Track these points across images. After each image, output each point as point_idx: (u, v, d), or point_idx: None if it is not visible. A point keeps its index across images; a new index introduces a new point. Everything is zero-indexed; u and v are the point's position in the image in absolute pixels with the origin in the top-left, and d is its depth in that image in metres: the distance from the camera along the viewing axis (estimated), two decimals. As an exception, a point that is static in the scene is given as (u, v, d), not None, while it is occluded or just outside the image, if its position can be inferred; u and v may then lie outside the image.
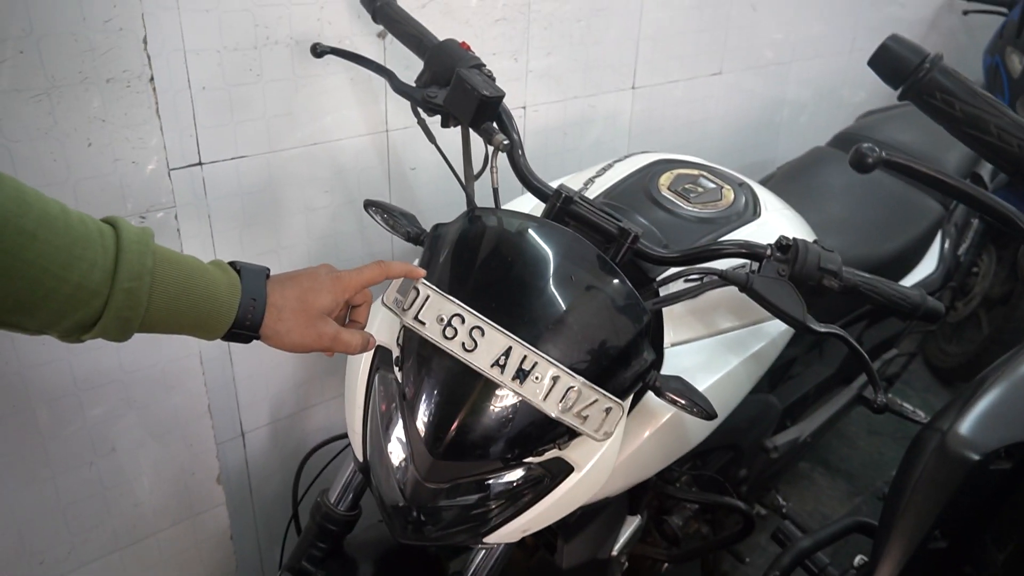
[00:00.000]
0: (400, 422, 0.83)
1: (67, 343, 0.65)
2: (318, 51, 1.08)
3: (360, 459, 0.92)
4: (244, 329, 0.71)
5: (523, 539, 1.37)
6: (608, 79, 1.63)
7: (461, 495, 0.83)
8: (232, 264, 0.72)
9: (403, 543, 0.91)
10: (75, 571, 1.10)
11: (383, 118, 1.30)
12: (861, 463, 2.11)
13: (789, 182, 1.59)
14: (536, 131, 1.55)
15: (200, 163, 1.10)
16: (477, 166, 0.99)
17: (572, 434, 0.81)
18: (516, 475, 0.83)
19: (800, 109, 2.19)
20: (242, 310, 0.70)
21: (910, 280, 1.53)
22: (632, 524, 1.12)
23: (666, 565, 1.35)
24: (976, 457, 0.71)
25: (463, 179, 0.98)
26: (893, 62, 0.60)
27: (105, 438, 1.06)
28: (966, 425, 0.74)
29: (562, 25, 1.48)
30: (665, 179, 1.14)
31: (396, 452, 0.84)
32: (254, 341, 0.74)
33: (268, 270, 0.74)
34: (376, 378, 0.89)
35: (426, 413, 0.79)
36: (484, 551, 0.97)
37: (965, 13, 2.46)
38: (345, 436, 1.18)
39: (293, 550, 1.10)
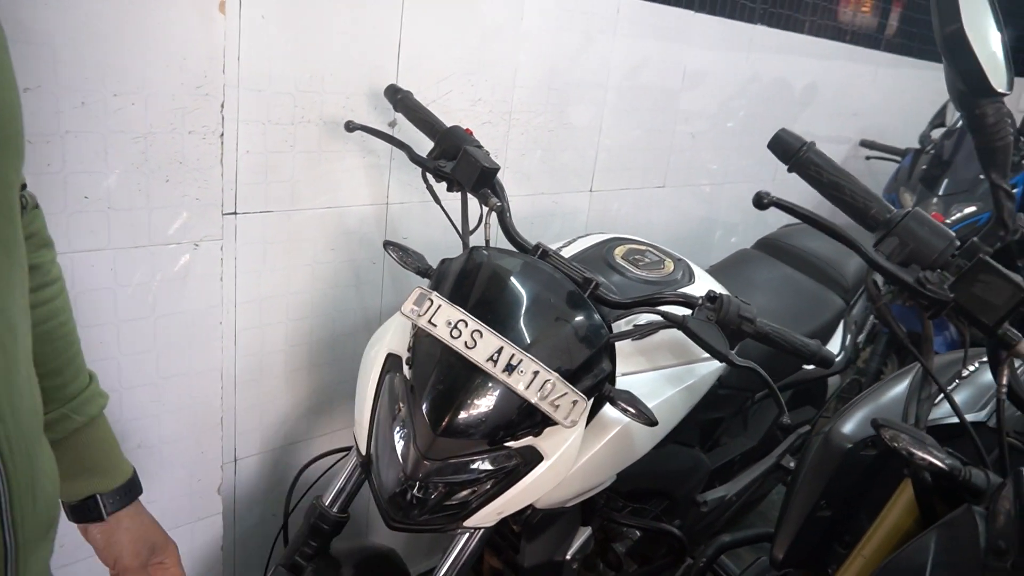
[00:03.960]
0: (406, 410, 1.03)
1: None
2: (351, 127, 1.34)
3: (364, 452, 1.11)
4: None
5: (482, 566, 1.54)
6: (570, 181, 1.93)
7: (452, 473, 1.02)
8: None
9: (394, 529, 1.09)
10: (84, 560, 1.22)
11: (385, 193, 1.54)
12: (782, 542, 2.31)
13: (719, 275, 1.88)
14: (509, 218, 1.82)
15: (235, 212, 1.31)
16: (471, 225, 1.24)
17: (544, 425, 1.02)
18: (496, 459, 1.03)
19: (730, 224, 2.53)
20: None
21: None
22: (583, 534, 1.30)
23: (608, 598, 1.52)
24: (849, 445, 0.95)
25: (461, 232, 1.22)
26: (783, 145, 0.88)
27: (135, 433, 1.21)
28: (842, 424, 0.98)
29: (536, 132, 1.78)
30: (619, 251, 1.40)
31: (400, 437, 1.03)
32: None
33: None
34: (386, 380, 1.09)
35: (431, 399, 0.99)
36: (462, 541, 1.14)
37: (867, 158, 2.91)
38: (338, 451, 1.35)
39: (288, 548, 1.24)
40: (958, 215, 2.54)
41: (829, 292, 1.85)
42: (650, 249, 1.45)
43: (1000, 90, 0.71)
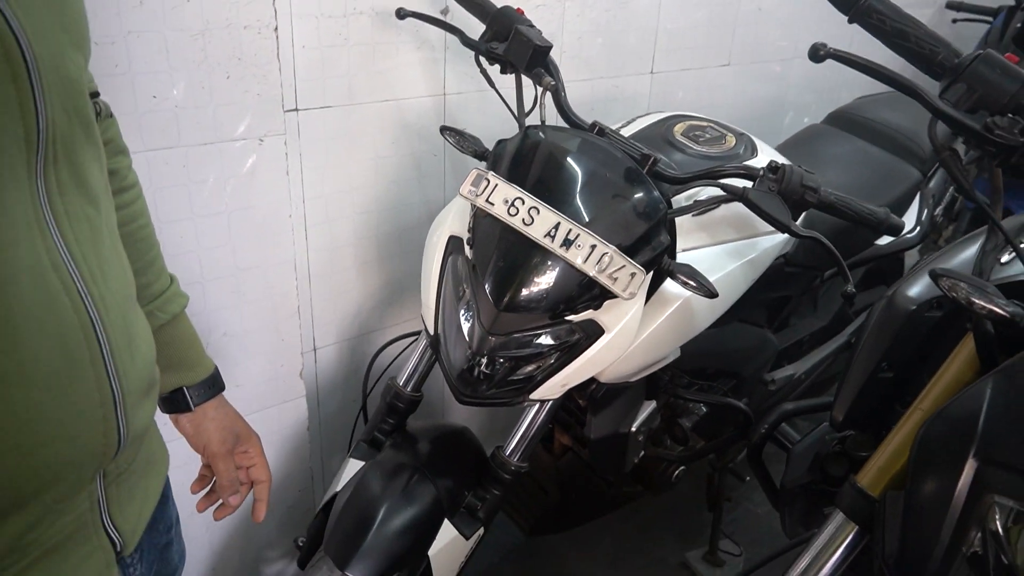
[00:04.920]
0: (470, 289, 1.06)
1: None
2: (401, 14, 1.33)
3: (432, 332, 1.15)
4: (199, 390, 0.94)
5: (551, 443, 1.60)
6: (630, 63, 1.87)
7: (515, 348, 1.06)
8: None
9: (464, 403, 1.14)
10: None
11: (442, 84, 1.54)
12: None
13: (788, 151, 1.82)
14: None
15: (296, 109, 1.34)
16: (526, 106, 1.23)
17: (603, 298, 1.04)
18: (558, 333, 1.06)
19: (802, 104, 2.43)
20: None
21: (889, 238, 1.76)
22: (648, 407, 1.34)
23: (677, 471, 1.57)
24: (913, 307, 0.94)
25: (516, 114, 1.22)
26: (843, -7, 0.84)
27: (220, 323, 1.30)
28: (907, 287, 0.97)
29: (592, 13, 1.73)
30: (679, 128, 1.38)
31: (465, 316, 1.07)
32: None
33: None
34: (448, 261, 1.12)
35: (492, 276, 1.02)
36: (531, 414, 1.20)
37: (954, 21, 2.71)
38: (410, 335, 1.42)
39: (367, 425, 1.33)
40: (1054, 78, 2.36)
41: (904, 163, 1.77)
42: (711, 125, 1.41)
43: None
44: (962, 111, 0.76)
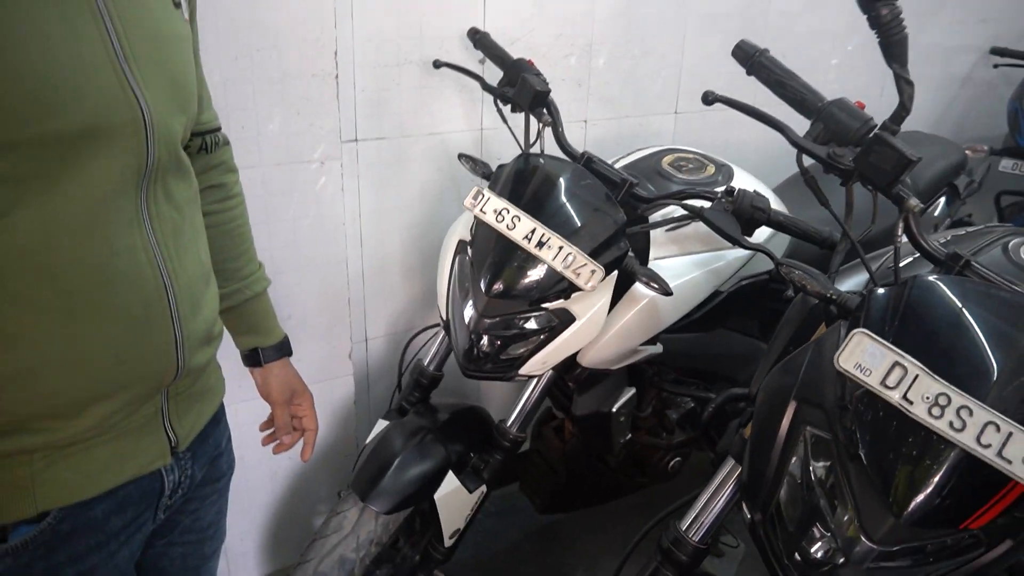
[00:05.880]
0: (469, 280, 1.34)
1: None
2: (437, 64, 1.64)
3: (443, 316, 1.44)
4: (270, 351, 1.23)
5: (562, 431, 1.84)
6: (655, 104, 2.12)
7: (503, 329, 1.32)
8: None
9: (468, 376, 1.42)
10: (233, 404, 1.66)
11: (479, 121, 1.84)
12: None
13: (786, 190, 2.02)
14: (594, 140, 2.05)
15: (356, 140, 1.67)
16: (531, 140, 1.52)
17: (571, 291, 1.29)
18: (538, 319, 1.32)
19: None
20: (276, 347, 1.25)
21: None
22: (628, 392, 1.57)
23: (672, 462, 1.78)
24: (815, 302, 1.15)
25: (522, 145, 1.50)
26: (742, 52, 1.08)
27: (285, 308, 1.63)
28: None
29: (618, 61, 1.99)
30: (667, 159, 1.62)
31: (467, 303, 1.35)
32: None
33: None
34: (456, 260, 1.41)
35: (484, 269, 1.29)
36: (527, 391, 1.46)
37: (995, 66, 2.82)
38: (435, 326, 1.70)
39: (397, 397, 1.62)
40: (1086, 120, 2.45)
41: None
42: (697, 157, 1.65)
43: (888, -7, 0.88)
44: (820, 143, 0.98)
